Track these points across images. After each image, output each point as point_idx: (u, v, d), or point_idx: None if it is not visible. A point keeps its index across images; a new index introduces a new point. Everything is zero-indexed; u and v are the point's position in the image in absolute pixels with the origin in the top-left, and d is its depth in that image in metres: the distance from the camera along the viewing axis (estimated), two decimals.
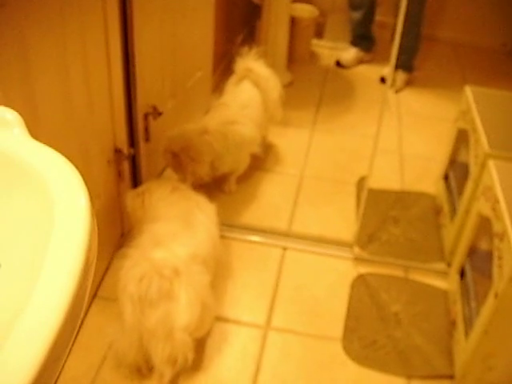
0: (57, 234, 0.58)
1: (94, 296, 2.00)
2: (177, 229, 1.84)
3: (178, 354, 1.65)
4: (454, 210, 2.26)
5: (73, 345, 1.74)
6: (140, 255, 1.68)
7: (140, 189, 2.05)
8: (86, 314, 1.93)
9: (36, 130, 0.82)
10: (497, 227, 1.69)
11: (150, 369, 1.74)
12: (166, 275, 1.61)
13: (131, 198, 2.03)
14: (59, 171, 0.66)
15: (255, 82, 2.61)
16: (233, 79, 2.68)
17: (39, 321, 0.51)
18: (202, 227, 1.89)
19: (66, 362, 1.71)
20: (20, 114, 0.83)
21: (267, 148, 2.88)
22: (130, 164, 2.18)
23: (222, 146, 2.37)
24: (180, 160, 2.31)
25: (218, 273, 2.12)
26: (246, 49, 2.63)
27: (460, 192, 2.21)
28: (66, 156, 0.71)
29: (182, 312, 1.62)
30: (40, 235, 0.61)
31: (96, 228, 0.62)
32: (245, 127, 2.47)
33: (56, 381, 1.61)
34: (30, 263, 0.60)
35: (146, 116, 2.23)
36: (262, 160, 2.78)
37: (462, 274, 2.02)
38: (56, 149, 0.72)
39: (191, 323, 1.64)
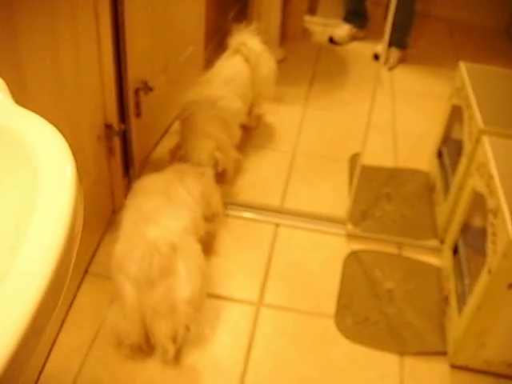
0: (41, 201, 0.56)
1: (85, 272, 1.98)
2: (160, 203, 1.84)
3: (180, 327, 1.66)
4: (447, 187, 2.24)
5: (64, 320, 1.73)
6: (135, 235, 1.67)
7: None
8: (77, 290, 1.92)
9: (24, 104, 0.79)
10: (491, 203, 1.68)
11: (151, 346, 1.74)
12: (164, 252, 1.61)
13: None
14: (44, 137, 0.64)
15: (246, 57, 2.59)
16: (226, 53, 2.65)
17: (21, 287, 0.49)
18: (182, 200, 1.89)
19: (57, 337, 1.71)
20: (7, 84, 0.81)
21: (260, 124, 2.86)
22: (121, 140, 2.15)
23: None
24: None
25: (210, 249, 2.12)
26: (243, 24, 2.61)
27: (453, 169, 2.20)
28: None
29: (184, 285, 1.63)
30: (24, 202, 0.59)
31: (82, 195, 0.60)
32: (228, 100, 2.44)
33: (47, 357, 1.60)
34: (14, 229, 0.58)
35: (136, 91, 2.20)
36: (254, 136, 2.76)
37: (455, 250, 2.01)
38: None
39: (194, 294, 1.65)
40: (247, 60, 2.59)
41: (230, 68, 2.56)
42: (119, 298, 1.64)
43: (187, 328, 1.68)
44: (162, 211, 1.80)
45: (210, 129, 2.32)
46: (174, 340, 1.68)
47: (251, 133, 2.77)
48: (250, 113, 2.74)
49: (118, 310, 1.67)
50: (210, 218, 2.07)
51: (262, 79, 2.65)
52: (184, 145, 2.36)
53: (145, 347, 1.74)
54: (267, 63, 2.67)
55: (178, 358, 1.74)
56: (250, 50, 2.59)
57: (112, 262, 1.67)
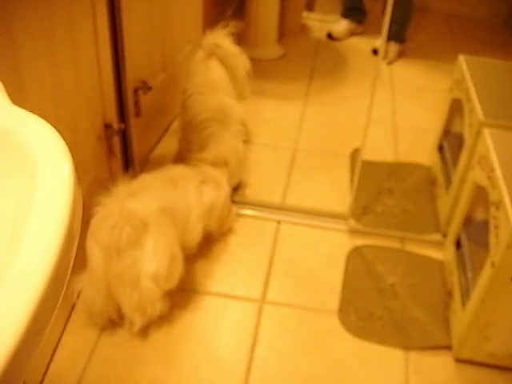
0: (39, 200, 0.55)
1: None
2: (153, 184, 1.86)
3: (146, 302, 1.70)
4: (448, 181, 2.24)
5: (67, 321, 1.72)
6: (113, 204, 1.69)
7: None
8: (80, 291, 1.91)
9: (22, 104, 0.79)
10: (493, 196, 1.67)
11: (121, 318, 1.79)
12: (135, 224, 1.64)
13: None
14: (41, 136, 0.63)
15: (222, 59, 2.55)
16: (199, 55, 2.58)
17: (20, 287, 0.48)
18: (184, 197, 1.90)
19: (61, 338, 1.69)
20: (4, 85, 0.80)
21: (260, 122, 2.86)
22: (121, 139, 2.15)
23: None
24: None
25: (213, 247, 2.11)
26: (218, 26, 2.58)
27: (455, 162, 2.19)
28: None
29: (149, 260, 1.66)
30: (22, 201, 0.58)
31: (80, 193, 0.60)
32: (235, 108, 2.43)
33: (51, 358, 1.59)
34: (12, 229, 0.57)
35: (135, 91, 2.20)
36: (254, 134, 2.76)
37: (458, 244, 2.01)
38: None
39: (158, 272, 1.67)
40: (223, 63, 2.54)
41: (213, 73, 2.49)
42: (88, 265, 1.67)
43: (153, 305, 1.72)
44: (153, 191, 1.82)
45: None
46: (142, 313, 1.72)
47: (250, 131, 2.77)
48: None
49: (87, 278, 1.70)
50: (210, 230, 2.08)
51: (240, 81, 2.62)
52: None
53: (115, 318, 1.78)
54: (243, 64, 2.63)
55: (145, 332, 1.79)
56: (225, 51, 2.54)
57: (88, 231, 1.69)
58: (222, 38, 2.55)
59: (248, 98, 2.73)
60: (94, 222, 1.68)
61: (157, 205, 1.76)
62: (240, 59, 2.61)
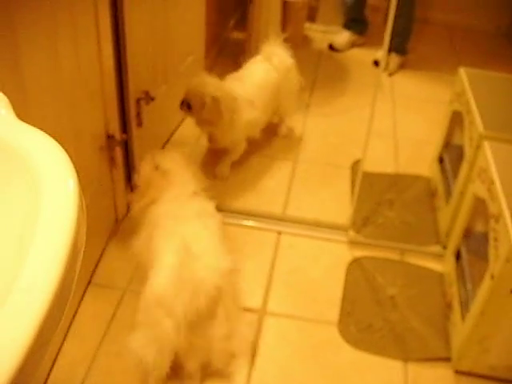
0: (44, 216, 0.56)
1: (88, 283, 1.99)
2: (196, 229, 1.75)
3: (213, 362, 1.67)
4: (449, 193, 2.25)
5: (68, 331, 1.72)
6: (179, 272, 1.58)
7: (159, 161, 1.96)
8: (80, 300, 1.92)
9: (25, 117, 0.80)
10: (492, 208, 1.68)
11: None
12: (211, 296, 1.57)
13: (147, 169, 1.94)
14: (46, 152, 0.64)
15: (277, 68, 2.60)
16: (257, 58, 2.66)
17: (26, 302, 0.49)
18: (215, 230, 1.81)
19: (61, 348, 1.70)
20: (8, 98, 0.81)
21: (261, 132, 2.87)
22: (123, 150, 2.16)
23: (230, 115, 2.37)
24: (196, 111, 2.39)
25: None
26: (273, 34, 2.67)
27: (455, 174, 2.20)
28: (57, 142, 0.70)
29: (221, 325, 1.64)
30: (27, 217, 0.59)
31: (84, 208, 0.61)
32: (252, 110, 2.46)
33: (52, 367, 1.60)
34: (18, 244, 0.58)
35: (138, 101, 2.21)
36: (255, 144, 2.77)
37: (458, 256, 2.01)
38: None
39: (229, 333, 1.67)
40: (277, 71, 2.60)
41: (262, 74, 2.59)
42: (152, 330, 1.58)
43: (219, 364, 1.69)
44: (202, 241, 1.71)
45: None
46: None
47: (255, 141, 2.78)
48: (279, 122, 2.85)
49: (146, 342, 1.60)
50: None
51: (286, 93, 2.67)
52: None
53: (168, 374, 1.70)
54: (294, 79, 2.69)
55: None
56: (280, 62, 2.60)
57: (150, 294, 1.58)
58: (280, 49, 2.62)
59: (293, 114, 2.78)
60: (161, 292, 1.56)
61: (224, 264, 1.67)
62: (293, 74, 2.67)
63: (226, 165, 2.56)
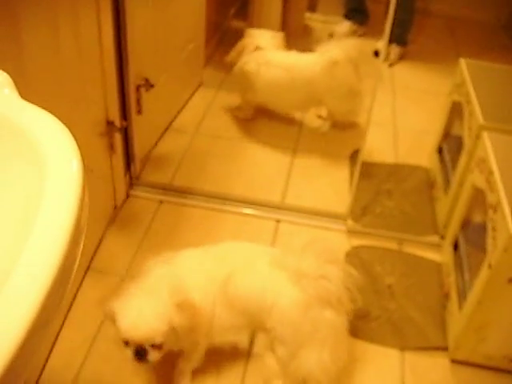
0: (48, 194, 0.56)
1: (87, 268, 1.99)
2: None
3: None
4: (447, 183, 2.25)
5: (66, 316, 1.72)
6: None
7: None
8: (79, 286, 1.93)
9: (25, 100, 0.80)
10: (491, 198, 1.69)
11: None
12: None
13: None
14: (50, 132, 0.64)
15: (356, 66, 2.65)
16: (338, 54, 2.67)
17: (29, 279, 0.50)
18: None
19: (59, 333, 1.70)
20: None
21: (260, 120, 2.87)
22: (122, 136, 2.16)
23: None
24: None
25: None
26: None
27: (454, 165, 2.20)
28: None
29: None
30: (31, 196, 0.60)
31: (87, 189, 0.61)
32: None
33: (50, 353, 1.60)
34: (22, 223, 0.59)
35: (138, 88, 2.21)
36: (254, 132, 2.77)
37: (456, 246, 2.02)
38: None
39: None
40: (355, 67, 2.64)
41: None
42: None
43: None
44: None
45: None
46: None
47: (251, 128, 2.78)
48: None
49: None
50: None
51: (331, 87, 2.68)
52: None
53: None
54: (345, 79, 2.67)
55: None
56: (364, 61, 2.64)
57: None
58: (366, 47, 2.71)
59: (337, 112, 2.83)
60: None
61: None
62: (344, 74, 2.65)
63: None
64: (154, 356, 1.44)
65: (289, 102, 2.79)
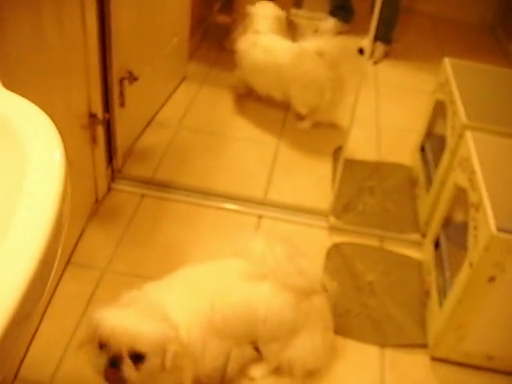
0: (30, 185, 0.56)
1: (67, 262, 1.98)
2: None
3: None
4: (429, 182, 2.26)
5: (45, 310, 1.70)
6: None
7: None
8: (59, 280, 1.91)
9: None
10: (473, 197, 1.69)
11: None
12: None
13: None
14: (33, 122, 0.64)
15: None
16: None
17: (10, 270, 0.49)
18: None
19: (39, 326, 1.68)
20: None
21: (243, 115, 2.87)
22: (105, 129, 2.14)
23: None
24: None
25: (191, 238, 2.12)
26: None
27: (436, 163, 2.21)
28: None
29: None
30: (13, 186, 0.59)
31: (70, 180, 0.60)
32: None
33: (28, 347, 1.59)
34: (1, 214, 0.58)
35: (121, 81, 2.20)
36: (238, 127, 2.77)
37: (437, 244, 2.03)
38: None
39: None
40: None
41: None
42: None
43: None
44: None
45: None
46: None
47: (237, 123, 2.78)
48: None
49: None
50: None
51: (295, 76, 2.73)
52: None
53: None
54: (310, 71, 2.68)
55: None
56: (316, 49, 2.64)
57: None
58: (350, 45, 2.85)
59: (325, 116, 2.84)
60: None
61: None
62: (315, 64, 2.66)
63: None
64: (129, 370, 1.25)
65: (266, 84, 2.84)
